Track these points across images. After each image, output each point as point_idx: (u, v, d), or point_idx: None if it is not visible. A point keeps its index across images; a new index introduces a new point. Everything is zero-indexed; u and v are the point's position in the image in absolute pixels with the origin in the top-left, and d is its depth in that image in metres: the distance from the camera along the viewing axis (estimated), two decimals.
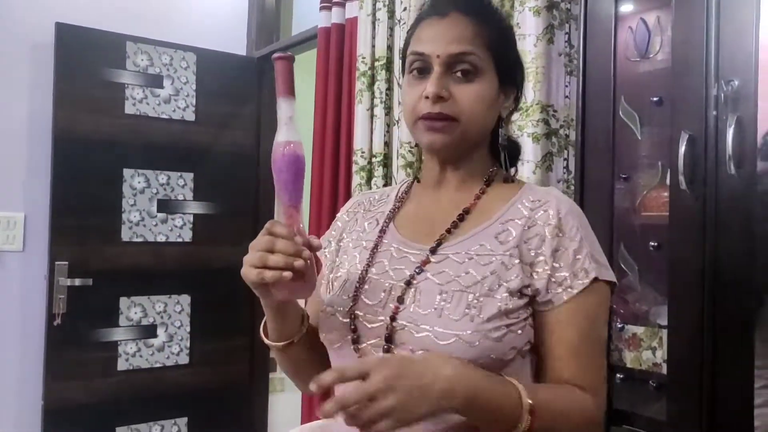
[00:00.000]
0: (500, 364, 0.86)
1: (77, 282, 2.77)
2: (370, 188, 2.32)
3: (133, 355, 2.91)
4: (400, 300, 0.91)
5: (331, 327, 0.96)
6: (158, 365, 2.97)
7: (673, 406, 1.31)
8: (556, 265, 0.90)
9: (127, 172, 2.91)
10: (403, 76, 1.02)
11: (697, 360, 1.24)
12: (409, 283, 0.92)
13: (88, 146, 2.82)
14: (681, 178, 1.26)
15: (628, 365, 1.42)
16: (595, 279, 0.90)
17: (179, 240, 3.03)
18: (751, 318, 1.20)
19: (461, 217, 0.97)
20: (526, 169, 1.70)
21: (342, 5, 2.50)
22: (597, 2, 1.49)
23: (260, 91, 3.29)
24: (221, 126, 3.14)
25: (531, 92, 1.72)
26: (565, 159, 1.75)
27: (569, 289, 0.89)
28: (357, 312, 0.94)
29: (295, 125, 0.87)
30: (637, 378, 1.40)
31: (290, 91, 0.87)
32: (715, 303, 1.23)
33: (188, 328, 3.04)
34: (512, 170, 1.08)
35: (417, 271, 0.93)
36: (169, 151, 2.99)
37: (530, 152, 1.71)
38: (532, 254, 0.91)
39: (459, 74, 0.94)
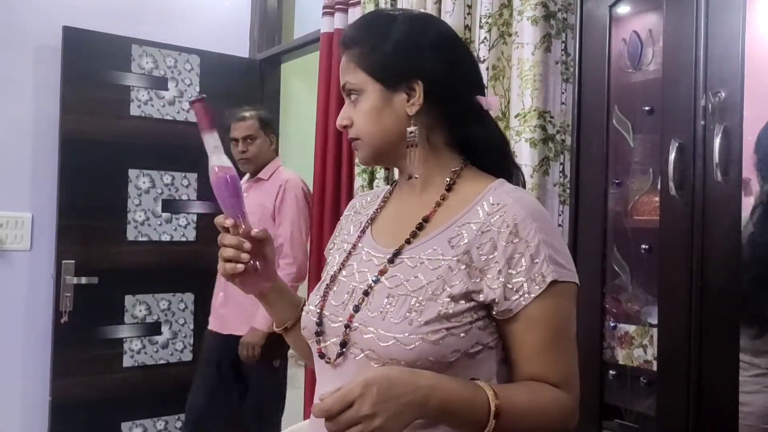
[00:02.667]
0: (441, 366, 0.89)
1: (83, 280, 2.82)
2: (372, 189, 2.38)
3: (138, 352, 2.97)
4: (356, 309, 0.96)
5: (306, 323, 1.04)
6: (162, 362, 3.03)
7: (663, 402, 1.37)
8: (512, 271, 0.91)
9: (132, 173, 2.97)
10: None
11: (685, 357, 1.30)
12: (366, 293, 0.97)
13: (94, 147, 2.88)
14: (671, 184, 1.32)
15: (620, 362, 1.48)
16: (554, 282, 0.90)
17: (183, 239, 3.09)
18: (736, 317, 1.26)
19: (420, 226, 0.99)
20: (524, 173, 1.76)
21: (344, 11, 2.56)
22: (591, 14, 1.54)
23: (262, 93, 3.34)
24: (223, 126, 3.19)
25: (529, 99, 1.78)
26: (561, 164, 1.81)
27: (527, 295, 0.90)
28: (324, 312, 1.01)
29: (221, 152, 1.03)
30: (628, 374, 1.46)
31: (211, 126, 1.03)
32: (702, 303, 1.28)
33: (192, 326, 3.10)
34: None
35: (374, 279, 0.97)
36: (173, 151, 3.05)
37: (527, 157, 1.77)
38: (483, 260, 0.92)
39: (353, 100, 1.03)
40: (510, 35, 1.92)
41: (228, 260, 0.98)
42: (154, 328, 3.02)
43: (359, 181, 2.41)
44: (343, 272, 1.04)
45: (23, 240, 2.89)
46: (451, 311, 0.89)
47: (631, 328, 1.48)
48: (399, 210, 1.07)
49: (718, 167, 1.25)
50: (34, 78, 2.91)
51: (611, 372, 1.49)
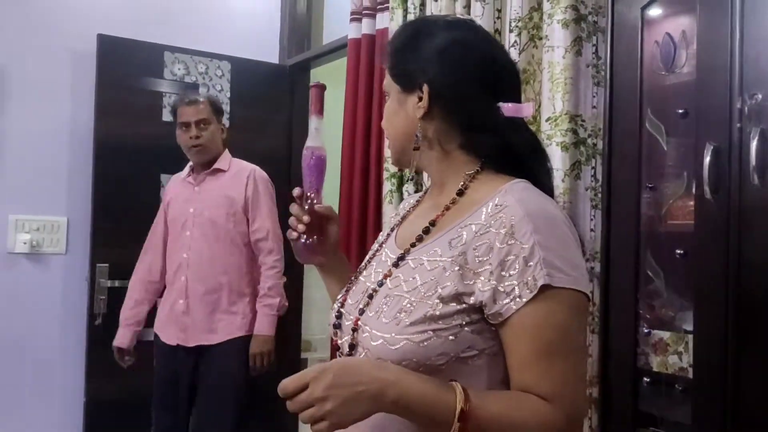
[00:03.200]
0: (429, 369, 0.87)
1: (117, 283, 2.87)
2: (401, 194, 2.38)
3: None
4: (360, 312, 0.98)
5: (330, 320, 1.08)
6: None
7: (699, 410, 1.35)
8: (504, 274, 0.87)
9: (164, 177, 3.01)
10: None
11: (721, 364, 1.28)
12: (371, 296, 0.98)
13: (128, 152, 2.93)
14: (706, 188, 1.30)
15: (655, 369, 1.46)
16: (547, 286, 0.85)
17: None
18: None
19: (426, 230, 0.99)
20: (556, 177, 1.75)
21: (372, 16, 2.57)
22: (623, 16, 1.53)
23: (292, 98, 3.37)
24: (255, 132, 3.23)
25: (560, 102, 1.77)
26: (592, 167, 1.79)
27: (518, 299, 0.85)
28: (342, 310, 1.04)
29: (320, 135, 1.13)
30: (663, 382, 1.44)
31: (320, 112, 1.13)
32: (738, 308, 1.26)
33: None
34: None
35: (379, 283, 0.99)
36: None
37: (559, 161, 1.76)
38: (477, 262, 0.89)
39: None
40: (540, 39, 1.91)
41: (290, 227, 1.10)
42: None
43: (387, 185, 2.41)
44: (364, 272, 1.07)
45: (59, 244, 2.95)
46: (438, 313, 0.88)
47: (666, 335, 1.45)
48: (419, 213, 1.09)
49: (755, 170, 1.23)
50: (70, 84, 2.97)
51: (645, 379, 1.46)
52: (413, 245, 0.99)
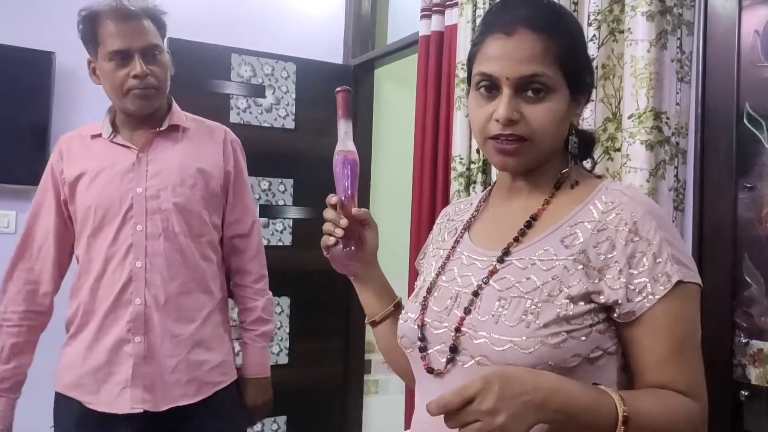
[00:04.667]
0: (562, 372, 0.84)
1: None
2: (469, 194, 2.33)
3: (237, 355, 3.03)
4: (467, 311, 0.92)
5: (404, 332, 1.01)
6: None
7: None
8: (633, 271, 0.86)
9: None
10: (468, 87, 0.99)
11: None
12: (476, 294, 0.92)
13: None
14: None
15: (753, 382, 1.37)
16: (679, 282, 0.86)
17: (279, 244, 3.14)
18: None
19: (528, 224, 0.95)
20: (639, 177, 1.67)
21: (441, 13, 2.53)
22: (716, 7, 1.44)
23: (356, 98, 3.36)
24: (319, 133, 3.23)
25: (644, 99, 1.69)
26: (675, 167, 1.70)
27: (651, 296, 0.85)
28: (425, 319, 0.97)
29: (350, 138, 1.10)
30: (764, 396, 1.35)
31: (347, 115, 1.11)
32: None
33: (288, 329, 3.14)
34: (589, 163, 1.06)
35: (484, 280, 0.93)
36: (270, 158, 3.10)
37: (644, 160, 1.67)
38: (602, 259, 0.87)
39: (530, 93, 0.90)
40: (621, 32, 1.82)
41: (325, 233, 1.05)
42: None
43: (455, 185, 2.36)
44: (443, 277, 1.01)
45: None
46: (570, 313, 0.85)
47: (766, 345, 1.36)
48: (500, 213, 1.03)
49: None
50: None
51: (743, 392, 1.38)
52: (517, 240, 0.94)
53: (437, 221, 1.18)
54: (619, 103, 1.81)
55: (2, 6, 2.81)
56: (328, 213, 1.05)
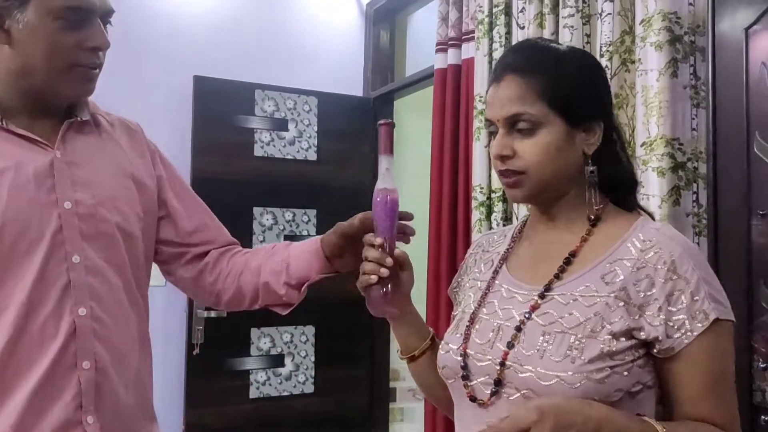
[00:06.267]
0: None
1: (213, 314, 2.97)
2: (490, 223, 2.36)
3: (263, 384, 3.08)
4: (510, 345, 0.94)
5: (446, 362, 1.03)
6: (286, 393, 3.12)
7: None
8: (672, 309, 0.89)
9: (256, 210, 3.12)
10: None
11: None
12: (519, 329, 0.95)
13: (222, 186, 3.04)
14: None
15: None
16: (716, 319, 0.88)
17: None
18: None
19: (567, 261, 0.98)
20: (653, 203, 1.69)
21: (458, 46, 2.59)
22: (725, 37, 1.48)
23: (376, 129, 3.42)
24: (340, 164, 3.30)
25: (654, 126, 1.72)
26: (694, 192, 1.72)
27: (689, 333, 0.88)
28: (468, 351, 0.99)
29: (391, 175, 1.08)
30: None
31: (389, 150, 1.09)
32: None
33: (313, 358, 3.18)
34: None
35: (527, 315, 0.95)
36: (294, 189, 3.18)
37: (656, 186, 1.70)
38: (642, 296, 0.90)
39: (520, 130, 0.97)
40: (632, 62, 1.86)
41: (367, 273, 1.04)
42: (277, 361, 3.12)
43: (476, 214, 2.40)
44: (483, 310, 1.03)
45: (159, 276, 3.08)
46: (614, 349, 0.88)
47: None
48: (537, 247, 1.05)
49: None
50: (168, 123, 3.13)
51: (763, 418, 1.38)
52: (557, 277, 0.97)
53: (470, 251, 1.20)
54: (632, 132, 1.84)
55: None
56: (371, 252, 1.05)
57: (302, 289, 1.29)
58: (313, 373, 3.17)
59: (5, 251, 1.08)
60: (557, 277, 0.97)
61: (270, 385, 3.09)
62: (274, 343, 3.11)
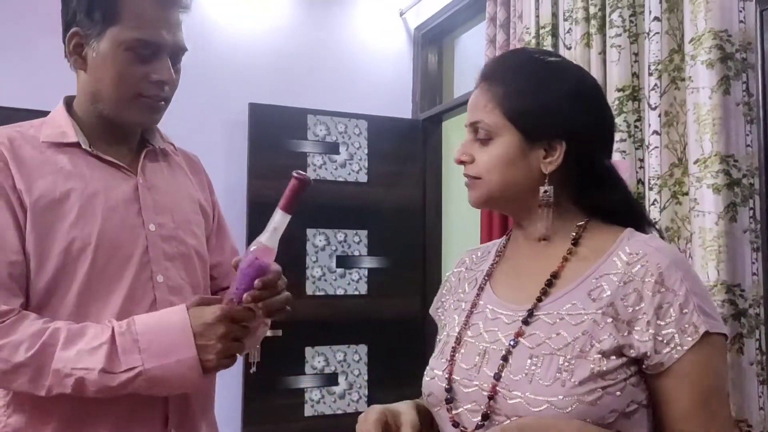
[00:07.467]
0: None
1: (269, 333, 3.04)
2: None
3: (317, 402, 3.13)
4: (497, 377, 0.90)
5: (431, 389, 0.99)
6: (340, 412, 3.17)
7: None
8: (661, 322, 0.86)
9: (309, 232, 3.19)
10: None
11: None
12: (506, 358, 0.91)
13: None
14: None
15: None
16: (706, 333, 0.85)
17: (356, 293, 3.24)
18: None
19: (549, 283, 0.95)
20: (708, 220, 1.69)
21: None
22: None
23: (425, 150, 3.48)
24: (390, 185, 3.36)
25: (708, 143, 1.72)
26: (750, 209, 1.71)
27: (679, 347, 0.85)
28: (454, 376, 0.96)
29: (277, 235, 1.06)
30: None
31: (289, 208, 1.06)
32: None
33: (366, 377, 3.22)
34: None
35: (512, 343, 0.92)
36: (345, 211, 3.25)
37: (711, 203, 1.70)
38: (630, 311, 0.87)
39: (479, 138, 0.98)
40: (683, 80, 1.87)
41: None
42: (331, 379, 3.17)
43: None
44: (468, 332, 1.00)
45: None
46: (604, 368, 0.85)
47: None
48: (519, 264, 1.03)
49: None
50: (225, 149, 3.25)
51: None
52: (539, 300, 0.94)
53: (454, 269, 1.17)
54: (684, 149, 1.84)
55: None
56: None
57: None
58: (366, 392, 3.21)
59: (99, 270, 1.16)
60: (539, 300, 0.94)
61: (324, 403, 3.14)
62: (328, 361, 3.17)
